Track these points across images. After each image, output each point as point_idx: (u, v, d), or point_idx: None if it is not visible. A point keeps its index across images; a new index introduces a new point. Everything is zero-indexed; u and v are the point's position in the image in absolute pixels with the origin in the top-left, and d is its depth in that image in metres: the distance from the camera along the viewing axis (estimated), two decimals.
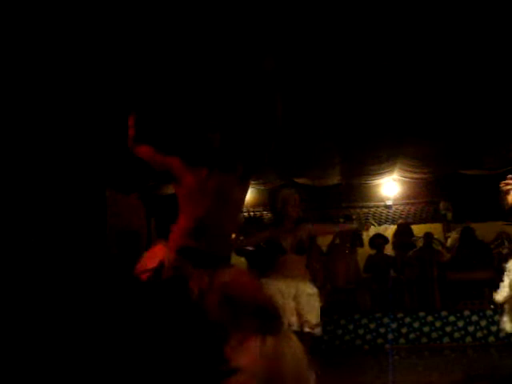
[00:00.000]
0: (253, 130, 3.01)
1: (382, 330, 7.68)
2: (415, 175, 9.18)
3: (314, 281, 4.76)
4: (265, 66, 2.94)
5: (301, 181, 8.94)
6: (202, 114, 3.34)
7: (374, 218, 10.25)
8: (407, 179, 9.45)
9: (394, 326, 7.62)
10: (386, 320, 7.66)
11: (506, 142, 6.79)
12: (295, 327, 4.22)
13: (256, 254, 6.44)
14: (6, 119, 5.22)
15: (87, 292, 5.20)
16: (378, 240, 8.68)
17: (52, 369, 4.33)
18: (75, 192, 6.86)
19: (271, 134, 3.01)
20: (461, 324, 7.60)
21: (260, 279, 4.03)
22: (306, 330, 4.31)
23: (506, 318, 4.43)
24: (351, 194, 10.08)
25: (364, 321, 7.76)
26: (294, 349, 2.86)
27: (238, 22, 4.24)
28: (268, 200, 9.55)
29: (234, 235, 3.87)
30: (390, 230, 9.23)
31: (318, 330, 4.42)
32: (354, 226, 7.34)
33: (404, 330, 7.66)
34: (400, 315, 7.72)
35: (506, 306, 4.44)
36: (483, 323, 7.51)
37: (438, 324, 7.65)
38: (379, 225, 10.07)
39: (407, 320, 7.70)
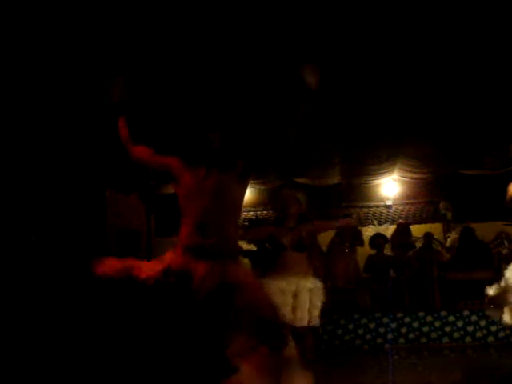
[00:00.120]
0: (266, 129, 3.01)
1: (381, 330, 7.68)
2: (415, 175, 9.18)
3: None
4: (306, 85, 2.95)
5: (301, 181, 8.94)
6: (202, 113, 3.35)
7: (374, 218, 10.25)
8: (407, 179, 9.45)
9: (393, 325, 7.62)
10: (385, 320, 7.66)
11: (506, 141, 6.79)
12: (293, 324, 4.25)
13: (259, 254, 6.46)
14: (7, 119, 5.22)
15: (87, 292, 5.20)
16: (378, 240, 8.68)
17: (52, 369, 4.33)
18: (75, 192, 6.86)
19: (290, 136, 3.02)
20: (460, 324, 7.60)
21: (262, 279, 4.05)
22: (305, 323, 4.34)
23: (505, 313, 4.42)
24: (351, 194, 10.07)
25: (364, 321, 7.76)
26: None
27: (237, 22, 4.25)
28: (269, 200, 9.58)
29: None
30: (390, 230, 9.24)
31: (317, 322, 4.45)
32: (353, 220, 7.35)
33: (403, 330, 7.66)
34: (400, 315, 7.72)
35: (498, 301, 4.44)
36: (483, 323, 7.51)
37: (437, 324, 7.65)
38: (379, 225, 10.07)
39: (407, 320, 7.69)
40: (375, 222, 10.07)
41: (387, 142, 7.36)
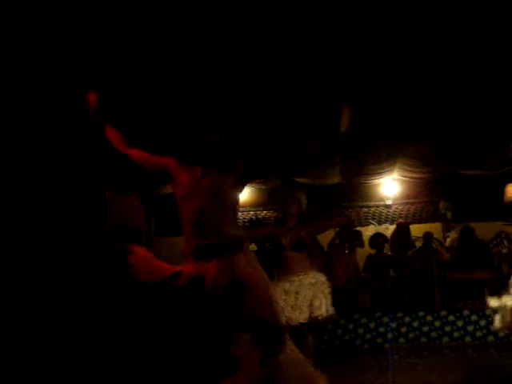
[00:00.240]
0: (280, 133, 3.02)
1: (381, 330, 7.69)
2: (415, 175, 9.19)
3: None
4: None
5: (301, 180, 8.95)
6: (202, 113, 3.35)
7: (373, 218, 10.26)
8: (407, 179, 9.46)
9: (393, 325, 7.62)
10: (385, 319, 7.66)
11: (505, 141, 6.79)
12: (294, 323, 4.26)
13: (259, 254, 6.46)
14: (7, 120, 5.22)
15: (87, 292, 5.21)
16: (378, 240, 8.69)
17: (53, 369, 4.33)
18: (75, 192, 6.86)
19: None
20: (460, 323, 7.61)
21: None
22: (305, 319, 4.36)
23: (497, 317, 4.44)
24: (351, 194, 10.07)
25: (364, 320, 7.77)
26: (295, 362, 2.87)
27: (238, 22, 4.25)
28: (269, 199, 9.59)
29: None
30: (390, 230, 9.25)
31: (331, 311, 4.48)
32: (352, 214, 7.36)
33: (403, 330, 7.67)
34: (399, 315, 7.72)
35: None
36: (482, 323, 7.51)
37: (437, 323, 7.66)
38: (379, 224, 10.08)
39: (407, 319, 7.70)
40: (375, 222, 10.08)
41: (387, 141, 7.37)
